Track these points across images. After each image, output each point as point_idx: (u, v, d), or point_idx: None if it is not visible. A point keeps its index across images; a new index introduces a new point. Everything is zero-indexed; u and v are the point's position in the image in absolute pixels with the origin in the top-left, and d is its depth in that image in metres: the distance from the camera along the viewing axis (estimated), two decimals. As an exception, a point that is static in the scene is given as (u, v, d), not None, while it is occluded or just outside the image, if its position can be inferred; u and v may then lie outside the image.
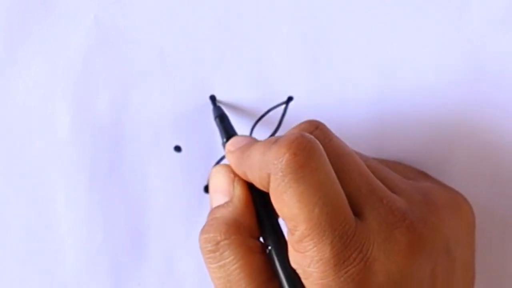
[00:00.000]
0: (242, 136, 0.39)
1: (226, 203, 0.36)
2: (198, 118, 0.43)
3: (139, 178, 0.43)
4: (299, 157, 0.32)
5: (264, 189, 0.35)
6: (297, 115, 0.43)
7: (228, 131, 0.40)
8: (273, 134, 0.43)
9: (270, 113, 0.43)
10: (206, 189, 0.43)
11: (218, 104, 0.42)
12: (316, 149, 0.33)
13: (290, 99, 0.43)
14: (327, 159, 0.33)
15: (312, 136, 0.34)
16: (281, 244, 0.35)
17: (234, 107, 0.43)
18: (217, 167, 0.38)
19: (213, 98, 0.43)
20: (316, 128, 0.36)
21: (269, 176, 0.33)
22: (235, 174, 0.37)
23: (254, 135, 0.43)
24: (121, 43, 0.43)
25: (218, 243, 0.35)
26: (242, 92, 0.43)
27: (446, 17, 0.42)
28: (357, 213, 0.34)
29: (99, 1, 0.42)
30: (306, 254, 0.32)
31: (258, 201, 0.36)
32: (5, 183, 0.43)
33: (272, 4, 0.42)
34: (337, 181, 0.33)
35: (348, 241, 0.32)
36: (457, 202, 0.39)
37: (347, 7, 0.42)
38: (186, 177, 0.43)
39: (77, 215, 0.43)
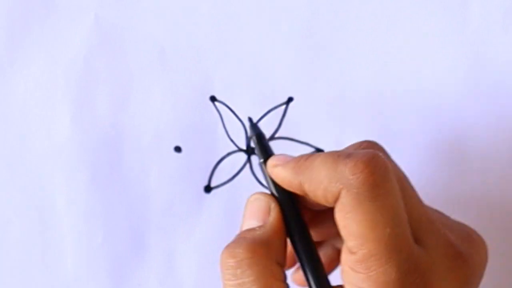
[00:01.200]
0: (282, 155, 0.38)
1: (258, 227, 0.36)
2: (199, 119, 0.43)
3: (139, 178, 0.43)
4: (376, 176, 0.32)
5: (327, 203, 0.34)
6: (297, 115, 0.43)
7: (266, 151, 0.40)
8: (273, 135, 0.43)
9: (271, 113, 0.43)
10: (206, 189, 0.43)
11: (255, 123, 0.42)
12: (389, 171, 0.33)
13: (290, 99, 0.43)
14: (396, 184, 0.33)
15: (384, 158, 0.33)
16: (319, 270, 0.34)
17: (234, 108, 0.43)
18: (256, 194, 0.37)
19: (213, 99, 0.43)
20: (380, 151, 0.35)
21: (339, 190, 0.33)
22: (273, 201, 0.36)
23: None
24: (121, 43, 0.43)
25: (241, 260, 0.34)
26: (243, 93, 0.43)
27: (446, 18, 0.42)
28: (417, 240, 0.34)
29: (99, 1, 0.42)
30: (370, 275, 0.32)
31: (295, 230, 0.36)
32: (5, 183, 0.43)
33: (272, 5, 0.42)
34: (403, 206, 0.33)
35: (413, 266, 0.32)
36: (481, 239, 0.39)
37: (348, 8, 0.42)
38: (186, 177, 0.43)
39: (77, 215, 0.43)
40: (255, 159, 0.43)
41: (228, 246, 0.34)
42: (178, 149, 0.43)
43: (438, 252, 0.34)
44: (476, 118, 0.43)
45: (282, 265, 0.35)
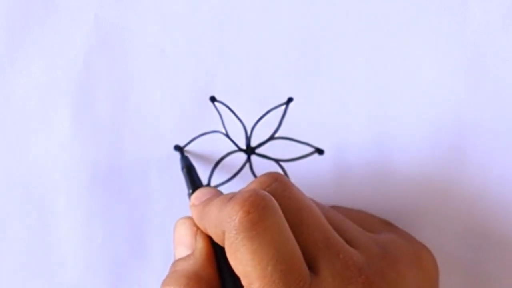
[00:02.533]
0: (206, 188, 0.39)
1: (188, 256, 0.37)
2: (198, 119, 0.43)
3: (139, 178, 0.43)
4: (252, 215, 0.33)
5: (222, 245, 0.35)
6: (297, 116, 0.43)
7: (194, 183, 0.41)
8: (273, 135, 0.43)
9: (270, 114, 0.43)
10: (206, 189, 0.43)
11: (186, 155, 0.42)
12: (270, 207, 0.33)
13: (290, 100, 0.43)
14: (281, 216, 0.34)
15: (266, 193, 0.34)
16: None
17: (234, 108, 0.43)
18: (181, 219, 0.38)
19: (213, 99, 0.43)
20: (275, 180, 0.36)
21: (223, 233, 0.34)
22: (198, 227, 0.37)
23: (254, 135, 0.43)
24: (121, 43, 0.43)
25: None
26: (242, 93, 0.43)
27: (446, 18, 0.42)
28: (313, 267, 0.34)
29: (99, 1, 0.42)
30: None
31: (220, 256, 0.36)
32: (5, 183, 0.43)
33: (272, 5, 0.42)
34: (292, 237, 0.33)
35: None
36: (419, 254, 0.39)
37: (348, 8, 0.42)
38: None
39: (77, 216, 0.43)
40: (255, 159, 0.43)
41: (163, 283, 0.35)
42: (178, 148, 0.43)
43: (333, 276, 0.34)
44: (476, 118, 0.42)
45: None
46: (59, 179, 0.43)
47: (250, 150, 0.43)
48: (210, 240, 0.37)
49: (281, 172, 0.43)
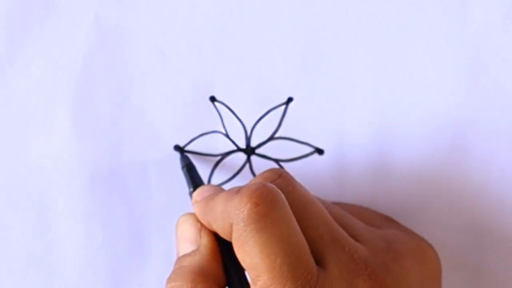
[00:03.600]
0: (208, 186, 0.40)
1: (193, 251, 0.37)
2: (198, 119, 0.43)
3: (139, 178, 0.43)
4: (261, 207, 0.33)
5: (228, 239, 0.35)
6: (297, 116, 0.43)
7: (195, 181, 0.41)
8: (273, 135, 0.43)
9: (270, 113, 0.43)
10: (206, 189, 0.43)
11: (186, 154, 0.43)
12: (278, 199, 0.33)
13: (290, 100, 0.43)
14: (289, 209, 0.34)
15: (274, 186, 0.34)
16: None
17: (234, 108, 0.43)
18: (184, 216, 0.38)
19: (213, 99, 0.43)
20: (279, 176, 0.36)
21: (231, 226, 0.34)
22: (202, 224, 0.37)
23: (254, 135, 0.43)
24: (121, 43, 0.43)
25: None
26: (242, 93, 0.43)
27: (446, 18, 0.42)
28: (319, 261, 0.34)
29: (99, 1, 0.42)
30: None
31: (225, 251, 0.36)
32: (5, 184, 0.43)
33: (272, 5, 0.42)
34: (299, 230, 0.33)
35: None
36: (421, 249, 0.39)
37: (348, 8, 0.42)
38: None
39: (77, 216, 0.43)
40: (254, 159, 0.43)
41: (169, 280, 0.35)
42: (178, 148, 0.43)
43: (339, 269, 0.34)
44: (476, 117, 0.42)
45: (223, 286, 0.36)
46: (59, 179, 0.43)
47: (250, 150, 0.43)
48: (214, 236, 0.37)
49: None
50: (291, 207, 0.34)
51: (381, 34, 0.42)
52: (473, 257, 0.43)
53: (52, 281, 0.43)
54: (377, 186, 0.43)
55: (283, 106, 0.43)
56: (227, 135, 0.43)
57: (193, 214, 0.38)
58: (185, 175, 0.41)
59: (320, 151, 0.43)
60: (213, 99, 0.43)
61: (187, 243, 0.37)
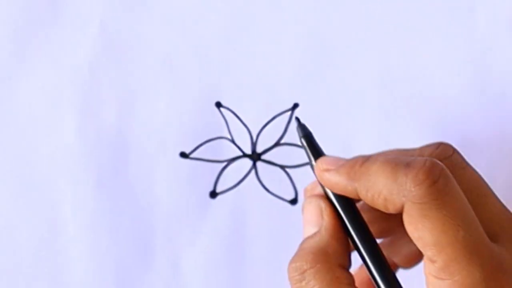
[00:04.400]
0: (331, 156, 0.38)
1: (315, 233, 0.36)
2: (204, 124, 0.43)
3: (145, 184, 0.43)
4: (439, 185, 0.33)
5: (385, 210, 0.34)
6: (303, 121, 0.43)
7: (318, 152, 0.39)
8: (278, 141, 0.43)
9: (276, 119, 0.43)
10: (212, 194, 0.43)
11: (303, 123, 0.42)
12: (451, 177, 0.33)
13: (295, 106, 0.43)
14: (459, 188, 0.33)
15: (443, 165, 0.33)
16: (387, 271, 0.35)
17: (240, 114, 0.43)
18: (308, 198, 0.38)
19: (218, 105, 0.43)
20: (452, 153, 0.36)
21: (402, 203, 0.33)
22: (325, 202, 0.37)
23: (260, 141, 0.43)
24: (127, 50, 0.43)
25: (304, 271, 0.34)
26: (248, 99, 0.43)
27: (453, 23, 0.42)
28: (495, 239, 0.34)
29: (105, 8, 0.42)
30: (455, 280, 0.32)
31: (353, 225, 0.36)
32: (11, 189, 0.43)
33: (278, 12, 0.42)
34: (471, 209, 0.33)
35: (496, 265, 0.32)
36: None
37: (354, 13, 0.42)
38: (191, 183, 0.43)
39: (83, 221, 0.43)
40: (260, 165, 0.43)
41: (291, 261, 0.35)
42: (183, 155, 0.43)
43: None
44: (481, 122, 0.42)
45: (347, 267, 0.35)
46: (66, 185, 0.43)
47: (256, 156, 0.43)
48: (336, 215, 0.36)
49: (286, 178, 0.43)
50: (465, 184, 0.34)
51: (387, 38, 0.42)
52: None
53: (57, 285, 0.44)
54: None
55: (289, 112, 0.43)
56: (233, 141, 0.43)
57: (316, 196, 0.37)
58: (304, 147, 0.40)
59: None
60: (219, 105, 0.43)
61: (310, 225, 0.37)
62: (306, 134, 0.39)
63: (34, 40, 0.43)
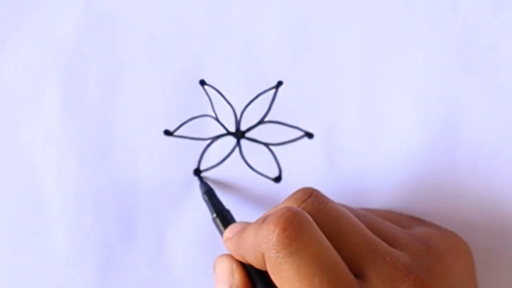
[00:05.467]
0: (238, 222, 0.39)
1: None
2: (188, 103, 0.43)
3: (129, 162, 0.43)
4: (289, 231, 0.33)
5: (263, 269, 0.34)
6: (286, 99, 0.43)
7: (217, 207, 0.41)
8: (263, 119, 0.43)
9: (260, 97, 0.43)
10: (196, 172, 0.43)
11: (205, 180, 0.43)
12: (304, 221, 0.33)
13: (279, 83, 0.43)
14: (317, 228, 0.33)
15: (298, 208, 0.34)
16: None
17: (224, 92, 0.43)
18: (219, 257, 0.38)
19: (202, 83, 0.43)
20: (310, 195, 0.36)
21: (263, 256, 0.33)
22: (235, 262, 0.37)
23: (244, 119, 0.43)
24: (111, 28, 0.43)
25: None
26: (232, 77, 0.43)
27: (437, 2, 0.42)
28: (361, 275, 0.34)
29: (88, -15, 0.42)
30: None
31: (262, 282, 0.36)
32: (-6, 167, 0.43)
33: (261, -12, 0.42)
34: (331, 248, 0.33)
35: None
36: (457, 244, 0.39)
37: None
38: (175, 161, 0.43)
39: (66, 199, 0.43)
40: (244, 143, 0.43)
41: None
42: (167, 132, 0.43)
43: (382, 280, 0.33)
44: (466, 101, 0.42)
45: None
46: (49, 162, 0.43)
47: (239, 134, 0.43)
48: (246, 272, 0.37)
49: (270, 156, 0.43)
50: (325, 224, 0.34)
51: (371, 17, 0.42)
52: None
53: (41, 264, 0.44)
54: (367, 169, 0.43)
55: (273, 90, 0.43)
56: (216, 119, 0.43)
57: (227, 254, 0.38)
58: (206, 202, 0.41)
59: (309, 135, 0.43)
60: (203, 82, 0.43)
61: (221, 284, 0.37)
62: (207, 190, 0.41)
63: (18, 18, 0.42)
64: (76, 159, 0.43)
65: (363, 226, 0.35)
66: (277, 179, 0.43)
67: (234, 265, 0.37)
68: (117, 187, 0.43)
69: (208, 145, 0.43)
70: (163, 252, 0.43)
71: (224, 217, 0.40)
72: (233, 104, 0.43)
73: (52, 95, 0.43)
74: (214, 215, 0.40)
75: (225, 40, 0.43)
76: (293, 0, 0.42)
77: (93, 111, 0.43)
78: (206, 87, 0.43)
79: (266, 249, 0.33)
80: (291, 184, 0.43)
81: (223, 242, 0.39)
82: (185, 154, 0.43)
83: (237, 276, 0.37)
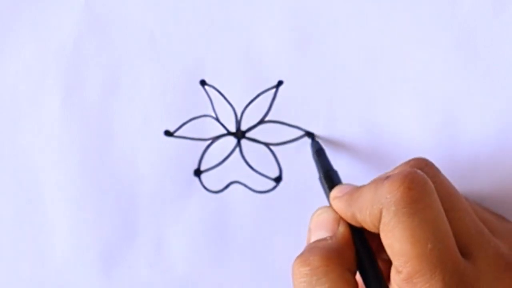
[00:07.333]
0: (348, 184, 0.39)
1: (328, 237, 0.36)
2: (188, 103, 0.43)
3: (130, 163, 0.43)
4: (413, 192, 0.32)
5: (374, 229, 0.34)
6: (287, 99, 0.43)
7: (325, 167, 0.40)
8: (263, 118, 0.43)
9: (260, 97, 0.43)
10: (196, 172, 0.43)
11: (317, 139, 0.42)
12: (428, 186, 0.33)
13: (280, 83, 0.43)
14: (437, 197, 0.33)
15: (424, 174, 0.33)
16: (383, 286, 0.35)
17: (225, 92, 0.43)
18: (322, 208, 0.38)
19: (203, 83, 0.43)
20: (425, 165, 0.36)
21: (380, 211, 0.33)
22: (341, 216, 0.37)
23: (245, 119, 0.43)
24: (112, 27, 0.43)
25: (316, 268, 0.34)
26: (233, 76, 0.43)
27: (437, 1, 0.42)
28: (465, 253, 0.34)
29: (89, -16, 0.42)
30: None
31: (360, 244, 0.36)
32: (-6, 165, 0.43)
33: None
34: (446, 220, 0.33)
35: (459, 280, 0.32)
36: None
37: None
38: (176, 161, 0.43)
39: (67, 199, 0.43)
40: (245, 143, 0.43)
41: (301, 255, 0.35)
42: (168, 133, 0.43)
43: (487, 263, 0.34)
44: (466, 97, 0.43)
45: (354, 274, 0.35)
46: (49, 162, 0.43)
47: (240, 134, 0.43)
48: (352, 228, 0.36)
49: (270, 155, 0.43)
50: (439, 196, 0.34)
51: (372, 16, 0.42)
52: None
53: (41, 264, 0.44)
54: (367, 169, 0.43)
55: (273, 90, 0.43)
56: (217, 119, 0.43)
57: (330, 207, 0.38)
58: (315, 161, 0.41)
59: (310, 135, 0.43)
60: (203, 83, 0.43)
61: (323, 230, 0.37)
62: (317, 150, 0.41)
63: (19, 16, 0.42)
64: (76, 159, 0.43)
65: (470, 208, 0.35)
66: (278, 179, 0.43)
67: (341, 219, 0.37)
68: (117, 187, 0.43)
69: (209, 145, 0.43)
70: (163, 252, 0.43)
71: (330, 178, 0.40)
72: (234, 104, 0.43)
73: (52, 95, 0.43)
74: (321, 174, 0.40)
75: (226, 40, 0.43)
76: (293, 0, 0.42)
77: (93, 111, 0.43)
78: (206, 87, 0.43)
79: (387, 204, 0.33)
80: (291, 184, 0.43)
81: (330, 200, 0.38)
82: (186, 154, 0.43)
83: (344, 226, 0.36)
